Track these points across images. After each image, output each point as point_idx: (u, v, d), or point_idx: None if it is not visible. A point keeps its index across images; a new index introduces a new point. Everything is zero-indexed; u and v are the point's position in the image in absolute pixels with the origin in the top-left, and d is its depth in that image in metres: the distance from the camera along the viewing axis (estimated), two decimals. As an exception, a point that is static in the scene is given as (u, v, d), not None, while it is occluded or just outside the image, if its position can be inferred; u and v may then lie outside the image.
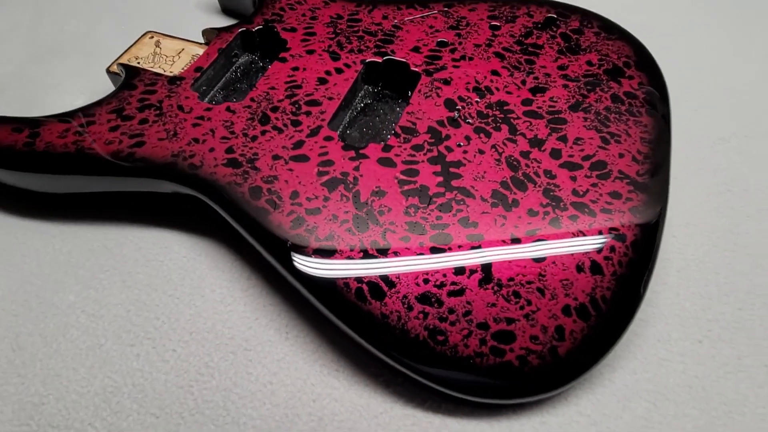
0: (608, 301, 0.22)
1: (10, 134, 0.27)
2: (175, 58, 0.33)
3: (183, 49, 0.34)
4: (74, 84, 0.36)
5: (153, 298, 0.26)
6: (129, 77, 0.30)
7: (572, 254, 0.23)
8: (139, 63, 0.33)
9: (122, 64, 0.32)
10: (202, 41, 0.35)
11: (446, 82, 0.29)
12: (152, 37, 0.35)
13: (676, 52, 0.37)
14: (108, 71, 0.33)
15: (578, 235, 0.23)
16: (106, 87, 0.35)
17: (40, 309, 0.25)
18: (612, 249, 0.23)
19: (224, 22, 0.41)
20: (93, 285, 0.26)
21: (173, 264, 0.27)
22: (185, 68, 0.32)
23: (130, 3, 0.42)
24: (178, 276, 0.26)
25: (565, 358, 0.21)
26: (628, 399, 0.22)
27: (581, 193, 0.25)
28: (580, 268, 0.22)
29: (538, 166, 0.25)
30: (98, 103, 0.29)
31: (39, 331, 0.24)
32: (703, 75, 0.36)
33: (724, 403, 0.22)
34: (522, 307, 0.22)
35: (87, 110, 0.28)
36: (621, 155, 0.26)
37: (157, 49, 0.34)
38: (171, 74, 0.31)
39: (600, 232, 0.23)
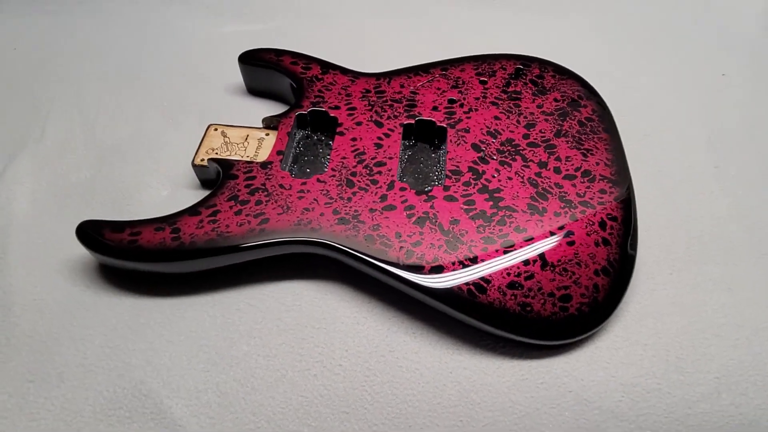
0: (618, 260, 0.34)
1: (155, 234, 0.34)
2: (245, 144, 0.41)
3: (248, 135, 0.42)
4: (152, 178, 0.42)
5: (306, 333, 0.34)
6: (226, 169, 0.38)
7: (589, 235, 0.35)
8: (217, 153, 0.40)
9: (212, 159, 0.39)
10: (260, 126, 0.43)
11: (467, 131, 0.40)
12: (216, 129, 0.42)
13: (608, 77, 0.50)
14: (194, 165, 0.40)
15: (590, 223, 0.35)
16: (184, 177, 0.42)
17: (224, 362, 0.32)
18: (612, 227, 0.35)
19: (252, 101, 0.49)
20: (255, 335, 0.34)
21: (308, 305, 0.35)
22: (258, 150, 0.40)
23: (165, 95, 0.48)
24: (317, 313, 0.35)
25: (603, 302, 0.33)
26: (640, 318, 0.35)
27: (582, 194, 0.37)
28: (597, 243, 0.34)
29: (550, 182, 0.37)
30: (212, 195, 0.36)
31: (232, 378, 0.32)
32: (625, 91, 0.50)
33: (692, 306, 0.35)
34: (570, 277, 0.33)
35: (206, 202, 0.36)
36: (597, 163, 0.39)
37: (226, 139, 0.42)
38: (251, 158, 0.39)
39: (602, 218, 0.35)
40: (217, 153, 0.40)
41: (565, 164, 0.38)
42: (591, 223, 0.35)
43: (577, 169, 0.38)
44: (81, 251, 0.37)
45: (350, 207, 0.35)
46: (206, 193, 0.41)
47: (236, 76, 0.49)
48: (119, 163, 0.43)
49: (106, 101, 0.47)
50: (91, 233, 0.34)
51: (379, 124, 0.41)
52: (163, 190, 0.41)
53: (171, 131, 0.45)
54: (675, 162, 0.44)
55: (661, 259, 0.38)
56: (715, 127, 0.47)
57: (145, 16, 0.57)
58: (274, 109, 0.48)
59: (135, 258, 0.33)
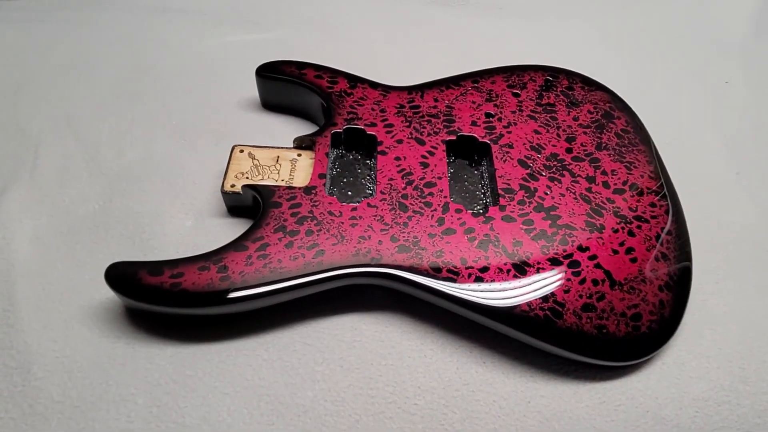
0: (677, 274, 0.34)
1: (200, 274, 0.30)
2: (277, 166, 0.38)
3: (278, 157, 0.39)
4: (172, 207, 0.38)
5: (372, 371, 0.31)
6: (266, 196, 0.35)
7: (649, 251, 0.35)
8: (248, 178, 0.37)
9: (246, 185, 0.35)
10: (289, 145, 0.40)
11: (510, 147, 0.39)
12: (242, 150, 0.39)
13: (620, 86, 0.51)
14: (224, 192, 0.36)
15: (647, 238, 0.35)
16: (208, 204, 0.38)
17: (290, 411, 0.29)
18: (668, 241, 0.35)
19: (268, 117, 0.45)
20: (318, 378, 0.31)
21: (370, 341, 0.33)
22: (292, 172, 0.37)
23: (172, 112, 0.44)
24: (381, 348, 0.32)
25: (669, 317, 0.33)
26: (698, 330, 0.35)
27: (634, 208, 0.37)
28: (657, 258, 0.34)
29: (601, 197, 0.37)
30: (256, 227, 0.33)
31: (302, 429, 0.29)
32: (639, 99, 0.50)
33: (742, 314, 0.36)
34: (638, 295, 0.33)
35: (251, 235, 0.32)
36: (642, 176, 0.39)
37: (255, 161, 0.38)
38: (287, 182, 0.36)
39: (657, 232, 0.35)
40: (248, 177, 0.37)
41: (612, 178, 0.38)
42: (648, 237, 0.35)
43: (624, 183, 0.38)
44: (102, 296, 0.33)
45: (408, 233, 0.33)
46: (236, 221, 0.38)
47: (247, 90, 0.45)
48: (132, 191, 0.38)
49: (106, 123, 0.42)
50: (124, 277, 0.30)
51: (421, 142, 0.39)
52: (186, 220, 0.37)
53: (185, 153, 0.41)
54: (698, 169, 0.45)
55: (705, 269, 0.38)
56: (729, 133, 0.48)
57: (138, 27, 0.51)
58: (295, 124, 0.45)
59: (180, 303, 0.30)
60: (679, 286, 0.34)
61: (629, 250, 0.34)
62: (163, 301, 0.30)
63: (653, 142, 0.42)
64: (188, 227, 0.37)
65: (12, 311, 0.31)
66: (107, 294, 0.32)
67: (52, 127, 0.42)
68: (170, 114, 0.44)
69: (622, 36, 0.59)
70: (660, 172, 0.39)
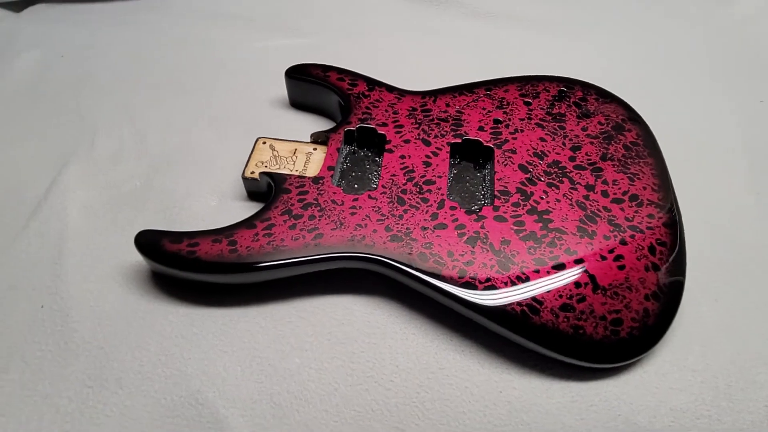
0: (667, 285, 0.34)
1: (212, 245, 0.35)
2: (294, 158, 0.42)
3: (296, 149, 0.42)
4: (201, 188, 0.43)
5: (356, 347, 0.34)
6: (278, 183, 0.38)
7: (639, 260, 0.35)
8: (266, 166, 0.41)
9: (263, 173, 0.40)
10: (307, 140, 0.43)
11: (513, 152, 0.41)
12: (265, 142, 0.43)
13: (640, 101, 0.51)
14: (244, 177, 0.41)
15: (639, 247, 0.35)
16: (232, 188, 0.43)
17: (277, 374, 0.33)
18: (661, 252, 0.35)
19: (295, 115, 0.50)
20: (306, 347, 0.34)
21: (358, 320, 0.36)
22: (306, 164, 0.41)
23: (211, 107, 0.49)
24: (367, 327, 0.35)
25: (652, 326, 0.33)
26: (688, 344, 0.35)
27: (630, 218, 0.37)
28: (647, 268, 0.35)
29: (598, 205, 0.38)
30: (266, 209, 0.37)
31: (286, 390, 0.32)
32: (660, 115, 0.50)
33: (738, 333, 0.35)
34: (621, 301, 0.33)
35: (261, 216, 0.36)
36: (644, 188, 0.39)
37: (275, 152, 0.42)
38: (300, 172, 0.40)
39: (651, 243, 0.36)
40: (266, 166, 0.41)
41: (613, 188, 0.39)
42: (641, 247, 0.35)
43: (624, 193, 0.38)
44: (134, 259, 0.38)
45: (402, 224, 0.36)
46: (253, 204, 0.42)
47: (278, 90, 0.50)
48: (169, 173, 0.44)
49: (155, 113, 0.48)
50: (150, 243, 0.35)
51: (427, 143, 0.41)
52: (211, 201, 0.42)
53: (218, 143, 0.46)
54: (717, 188, 0.44)
55: (706, 286, 0.38)
56: (757, 153, 0.47)
57: (190, 31, 0.58)
58: (317, 122, 0.49)
59: (193, 269, 0.34)
60: (667, 297, 0.34)
61: (618, 258, 0.35)
62: (180, 266, 0.34)
63: (663, 156, 0.42)
64: (212, 207, 0.42)
65: (60, 264, 0.37)
66: (138, 258, 0.37)
67: (110, 115, 0.48)
68: (209, 108, 0.49)
69: (655, 52, 0.58)
70: (666, 186, 0.39)
